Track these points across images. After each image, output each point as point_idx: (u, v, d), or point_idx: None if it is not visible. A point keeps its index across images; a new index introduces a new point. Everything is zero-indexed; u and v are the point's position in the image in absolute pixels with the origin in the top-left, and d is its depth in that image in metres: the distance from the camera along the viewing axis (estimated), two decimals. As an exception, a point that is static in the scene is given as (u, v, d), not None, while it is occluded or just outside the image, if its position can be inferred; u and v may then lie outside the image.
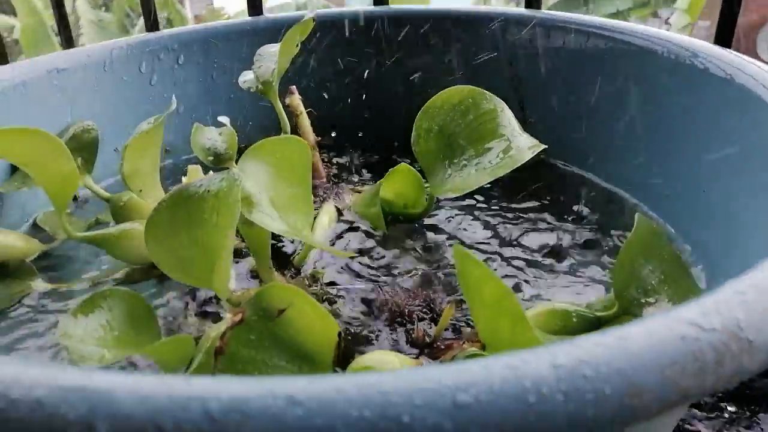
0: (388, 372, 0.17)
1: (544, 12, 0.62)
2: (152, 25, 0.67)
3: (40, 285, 0.43)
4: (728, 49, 0.47)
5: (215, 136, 0.41)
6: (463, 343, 0.35)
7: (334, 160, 0.65)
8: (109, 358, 0.29)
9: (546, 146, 0.43)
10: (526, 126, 0.51)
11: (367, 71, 0.70)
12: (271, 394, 0.17)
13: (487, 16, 0.65)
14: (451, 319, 0.38)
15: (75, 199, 0.58)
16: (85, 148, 0.51)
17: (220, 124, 0.44)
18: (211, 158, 0.39)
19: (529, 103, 0.64)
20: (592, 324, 0.35)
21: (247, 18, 0.71)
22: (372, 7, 0.70)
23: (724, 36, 0.52)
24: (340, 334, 0.30)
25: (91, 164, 0.51)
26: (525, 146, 0.44)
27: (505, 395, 0.17)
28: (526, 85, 0.63)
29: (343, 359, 0.33)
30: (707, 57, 0.46)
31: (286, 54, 0.46)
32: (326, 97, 0.71)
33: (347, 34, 0.69)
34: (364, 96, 0.71)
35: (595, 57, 0.57)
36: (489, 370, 0.17)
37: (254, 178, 0.37)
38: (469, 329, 0.37)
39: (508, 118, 0.47)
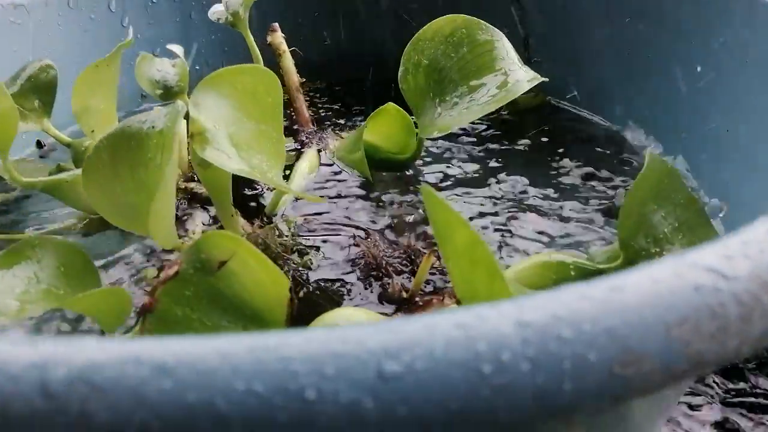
0: (294, 332, 0.13)
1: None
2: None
3: (-13, 235, 0.40)
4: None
5: (166, 67, 0.36)
6: (442, 299, 0.30)
7: (323, 105, 0.60)
8: (26, 312, 0.25)
9: (546, 79, 0.38)
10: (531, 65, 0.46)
11: (358, 7, 0.65)
12: (135, 359, 0.12)
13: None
14: (433, 273, 0.34)
15: (40, 146, 0.54)
16: (42, 89, 0.47)
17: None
18: (159, 92, 0.34)
19: (535, 40, 0.58)
20: (593, 277, 0.30)
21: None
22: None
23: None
24: (290, 289, 0.25)
25: (50, 106, 0.47)
26: (523, 79, 0.39)
27: (449, 363, 0.12)
28: (533, 20, 0.57)
29: (309, 316, 0.29)
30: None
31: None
32: (314, 37, 0.66)
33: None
34: (355, 35, 0.66)
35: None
36: (432, 329, 0.13)
37: (210, 111, 0.33)
38: (450, 284, 0.33)
39: (506, 49, 0.41)
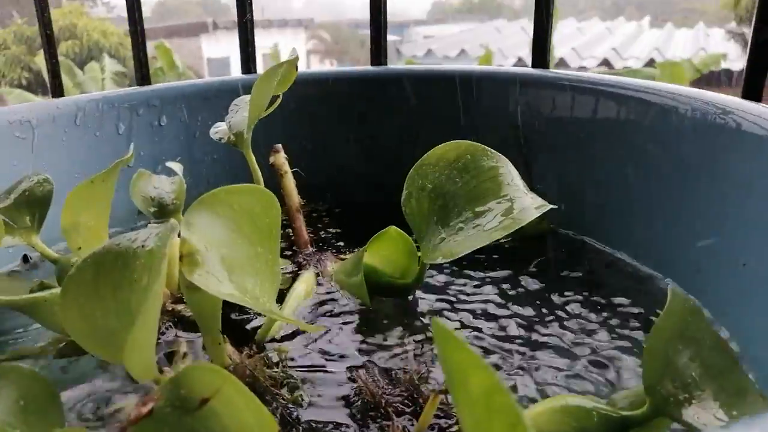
0: None
1: (553, 72, 0.58)
2: (143, 77, 0.63)
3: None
4: (761, 103, 0.41)
5: (164, 184, 0.35)
6: (451, 447, 0.27)
7: (323, 227, 0.59)
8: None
9: (555, 206, 0.37)
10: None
11: (364, 132, 0.66)
12: None
13: (482, 77, 0.60)
14: (438, 415, 0.30)
15: (26, 260, 0.52)
16: (36, 204, 0.46)
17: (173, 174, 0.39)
18: (154, 209, 0.33)
19: (536, 168, 0.58)
20: (617, 426, 0.27)
21: (239, 75, 0.68)
22: (371, 68, 0.66)
23: (753, 88, 0.46)
24: (280, 433, 0.22)
25: (41, 221, 0.45)
26: (530, 206, 0.38)
27: None
28: (533, 148, 0.58)
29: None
30: (739, 114, 0.41)
31: (260, 102, 0.42)
32: (317, 158, 0.66)
33: (343, 92, 0.65)
34: (360, 158, 0.66)
35: (609, 119, 0.51)
36: None
37: (203, 232, 0.31)
38: (456, 429, 0.30)
39: (511, 175, 0.41)
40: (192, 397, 0.22)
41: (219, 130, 0.46)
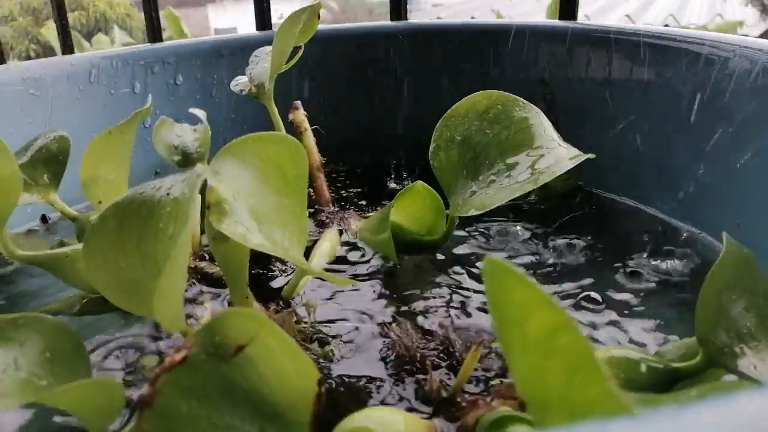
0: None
1: (582, 23, 0.55)
2: (154, 31, 0.61)
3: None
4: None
5: (186, 132, 0.34)
6: (492, 399, 0.26)
7: (345, 187, 0.58)
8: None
9: (593, 155, 0.35)
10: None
11: (388, 89, 0.64)
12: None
13: (511, 29, 0.58)
14: (475, 368, 0.29)
15: (45, 220, 0.51)
16: (52, 161, 0.44)
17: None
18: (177, 158, 0.32)
19: (564, 124, 0.56)
20: (667, 377, 0.26)
21: (254, 32, 0.66)
22: (393, 23, 0.64)
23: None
24: (320, 382, 0.21)
25: (59, 178, 0.44)
26: (564, 156, 0.36)
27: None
28: (561, 103, 0.56)
29: (331, 418, 0.25)
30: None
31: (282, 50, 0.40)
32: (337, 116, 0.64)
33: (364, 47, 0.63)
34: (382, 116, 0.64)
35: (646, 71, 0.49)
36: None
37: (230, 181, 0.30)
38: (498, 381, 0.29)
39: (543, 127, 0.39)
40: (227, 343, 0.21)
41: (240, 82, 0.45)
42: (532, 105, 0.40)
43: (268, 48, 0.46)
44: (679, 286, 0.39)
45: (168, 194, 0.27)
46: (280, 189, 0.32)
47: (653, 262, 0.41)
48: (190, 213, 0.24)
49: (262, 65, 0.44)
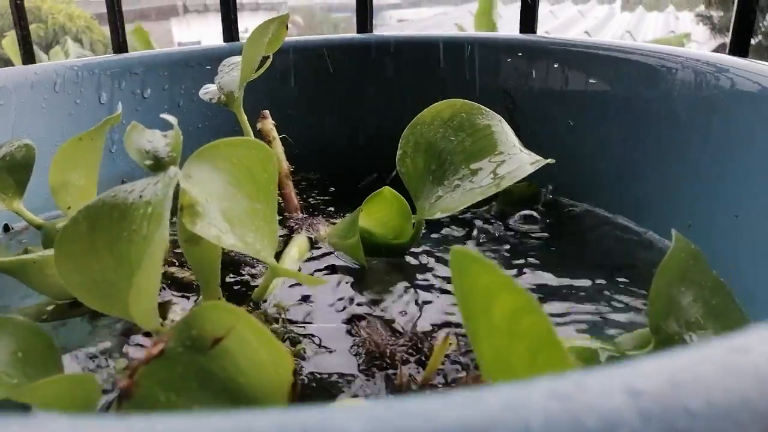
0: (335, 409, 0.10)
1: (541, 36, 0.58)
2: (119, 43, 0.61)
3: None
4: (756, 60, 0.42)
5: (157, 138, 0.34)
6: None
7: (313, 195, 0.59)
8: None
9: (553, 160, 0.37)
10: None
11: (351, 99, 0.65)
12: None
13: (470, 42, 0.60)
14: (442, 363, 0.30)
15: (7, 229, 0.51)
16: (18, 168, 0.44)
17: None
18: (149, 163, 0.32)
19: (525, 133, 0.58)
20: (623, 366, 0.27)
21: (222, 43, 0.66)
22: (358, 35, 0.66)
23: (740, 45, 0.47)
24: (295, 372, 0.22)
25: (23, 187, 0.44)
26: (526, 161, 0.38)
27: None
28: (522, 113, 0.58)
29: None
30: (734, 71, 0.41)
31: (251, 58, 0.41)
32: (305, 126, 0.65)
33: (331, 61, 0.64)
34: (348, 126, 0.66)
35: (601, 81, 0.51)
36: (521, 401, 0.10)
37: (203, 184, 0.30)
38: (464, 374, 0.30)
39: (506, 133, 0.41)
40: (204, 336, 0.22)
41: (209, 90, 0.45)
42: (494, 113, 0.41)
43: (236, 58, 0.46)
44: (631, 281, 0.41)
45: (141, 197, 0.28)
46: (251, 193, 0.33)
47: (607, 260, 0.43)
48: (165, 212, 0.24)
49: (232, 74, 0.44)
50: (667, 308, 0.28)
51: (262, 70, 0.45)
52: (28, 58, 0.72)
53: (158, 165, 0.33)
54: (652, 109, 0.47)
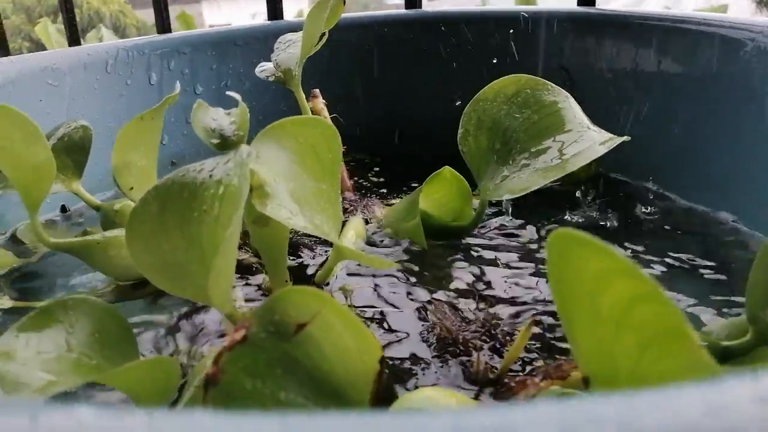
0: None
1: (602, 9, 0.55)
2: (164, 25, 0.61)
3: (4, 302, 0.35)
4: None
5: (222, 116, 0.34)
6: (541, 380, 0.26)
7: (365, 176, 0.57)
8: (56, 386, 0.21)
9: (628, 137, 0.35)
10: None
11: (404, 78, 0.63)
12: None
13: (528, 16, 0.58)
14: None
15: (64, 210, 0.51)
16: (75, 149, 0.44)
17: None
18: (216, 141, 0.31)
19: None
20: (716, 356, 0.26)
21: (267, 21, 0.65)
22: (410, 11, 0.64)
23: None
24: (382, 360, 0.21)
25: (82, 168, 0.44)
26: (597, 140, 0.36)
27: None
28: (580, 90, 0.56)
29: (381, 398, 0.24)
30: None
31: (312, 34, 0.40)
32: (356, 106, 0.64)
33: (380, 36, 0.63)
34: (401, 106, 0.64)
35: (671, 57, 0.49)
36: (673, 412, 0.09)
37: (270, 164, 0.30)
38: (543, 363, 0.28)
39: (573, 110, 0.39)
40: (287, 322, 0.21)
41: (266, 68, 0.44)
42: (560, 89, 0.40)
43: (292, 35, 0.45)
44: (706, 268, 0.39)
45: (211, 176, 0.27)
46: (317, 173, 0.32)
47: (675, 245, 0.41)
48: (243, 194, 0.24)
49: (289, 51, 0.43)
50: (766, 297, 0.26)
51: (319, 46, 0.44)
52: (74, 41, 0.72)
53: (225, 143, 0.32)
54: (727, 84, 0.44)
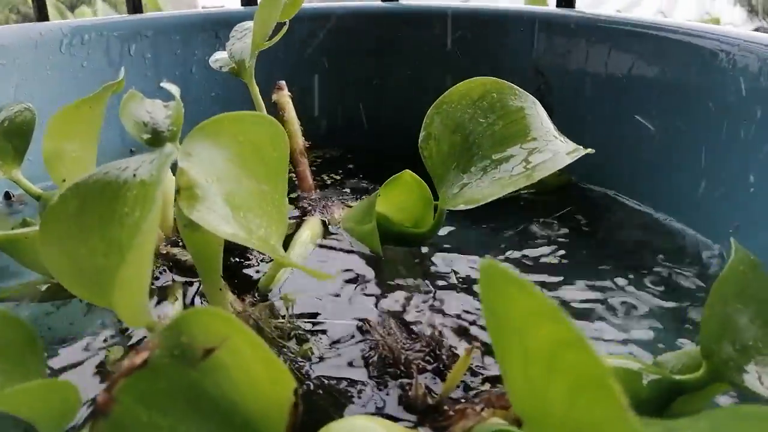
0: None
1: (581, 12, 0.53)
2: (134, 4, 0.58)
3: None
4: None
5: (157, 109, 0.31)
6: (481, 409, 0.24)
7: (329, 173, 0.55)
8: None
9: (592, 150, 0.33)
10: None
11: (374, 74, 0.61)
12: None
13: (510, 16, 0.56)
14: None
15: (8, 197, 0.48)
16: (16, 134, 0.42)
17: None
18: (147, 137, 0.29)
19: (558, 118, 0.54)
20: (669, 390, 0.24)
21: (239, 7, 0.63)
22: (381, 3, 0.62)
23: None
24: (296, 391, 0.19)
25: (22, 153, 0.41)
26: (563, 150, 0.34)
27: None
28: (555, 95, 0.54)
29: (308, 423, 0.23)
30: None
31: (264, 23, 0.37)
32: (322, 100, 0.62)
33: (349, 29, 0.61)
34: (370, 102, 0.62)
35: (647, 64, 0.47)
36: None
37: (204, 164, 0.27)
38: (488, 389, 0.27)
39: (540, 118, 0.37)
40: (195, 346, 0.19)
41: (219, 58, 0.42)
42: (528, 94, 0.38)
43: (249, 23, 0.43)
44: (677, 291, 0.37)
45: (134, 175, 0.25)
46: (259, 174, 0.30)
47: (647, 263, 0.40)
48: (156, 197, 0.22)
49: (244, 41, 0.41)
50: (722, 328, 0.24)
51: (277, 38, 0.42)
52: (42, 18, 0.68)
53: (157, 139, 0.30)
54: (702, 96, 0.43)
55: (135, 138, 0.29)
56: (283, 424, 0.19)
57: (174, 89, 0.30)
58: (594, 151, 0.33)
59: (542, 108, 0.37)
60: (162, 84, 0.31)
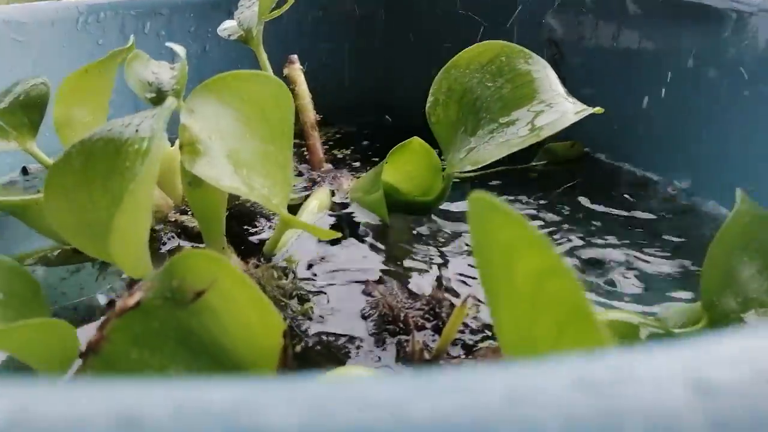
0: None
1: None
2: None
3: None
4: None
5: (163, 70, 0.32)
6: (476, 364, 0.24)
7: (339, 148, 0.55)
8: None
9: (601, 109, 0.33)
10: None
11: (382, 45, 0.61)
12: None
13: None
14: (462, 330, 0.27)
15: (26, 172, 0.49)
16: (31, 107, 0.42)
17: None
18: (151, 95, 0.30)
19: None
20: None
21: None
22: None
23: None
24: (285, 333, 0.19)
25: (37, 126, 0.42)
26: (571, 111, 0.34)
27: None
28: (570, 65, 0.53)
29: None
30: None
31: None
32: (334, 79, 0.62)
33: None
34: (378, 80, 0.62)
35: (660, 30, 0.46)
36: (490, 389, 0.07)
37: (207, 121, 0.28)
38: (486, 344, 0.27)
39: (549, 80, 0.36)
40: (185, 288, 0.19)
41: (228, 27, 0.42)
42: (538, 57, 0.37)
43: (260, -7, 0.43)
44: (683, 250, 0.36)
45: (137, 131, 0.25)
46: (263, 133, 0.30)
47: (658, 227, 0.39)
48: (154, 146, 0.22)
49: (252, 9, 0.41)
50: (724, 281, 0.24)
51: (285, 7, 0.42)
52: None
53: (161, 98, 0.30)
54: (714, 61, 0.42)
55: (139, 97, 0.30)
56: (273, 366, 0.19)
57: (180, 49, 0.31)
58: (602, 110, 0.33)
59: (552, 71, 0.37)
60: (168, 43, 0.31)
